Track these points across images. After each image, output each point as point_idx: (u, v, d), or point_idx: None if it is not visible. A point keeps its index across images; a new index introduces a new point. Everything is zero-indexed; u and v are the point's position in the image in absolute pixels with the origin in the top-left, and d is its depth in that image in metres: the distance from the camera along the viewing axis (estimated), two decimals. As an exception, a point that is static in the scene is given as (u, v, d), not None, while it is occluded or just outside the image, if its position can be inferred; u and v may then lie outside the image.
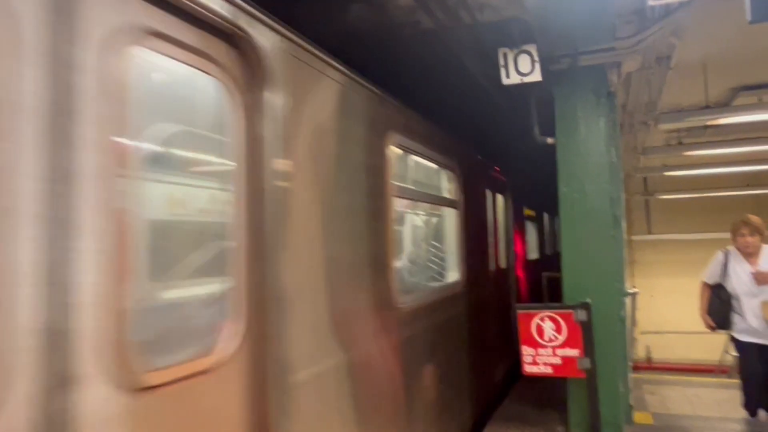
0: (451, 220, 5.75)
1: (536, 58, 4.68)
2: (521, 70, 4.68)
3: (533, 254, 10.69)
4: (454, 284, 5.59)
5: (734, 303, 5.44)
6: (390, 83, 4.04)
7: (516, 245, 8.57)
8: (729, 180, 12.83)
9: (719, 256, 5.63)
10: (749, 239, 5.39)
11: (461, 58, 5.02)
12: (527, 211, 9.89)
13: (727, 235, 5.65)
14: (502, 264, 7.64)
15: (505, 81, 4.78)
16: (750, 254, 5.42)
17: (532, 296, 9.46)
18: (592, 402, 4.96)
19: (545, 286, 9.71)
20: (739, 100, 7.83)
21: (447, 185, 5.65)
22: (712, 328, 5.65)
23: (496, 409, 6.31)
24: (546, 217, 12.31)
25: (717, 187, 13.20)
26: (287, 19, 2.77)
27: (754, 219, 5.47)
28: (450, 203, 5.63)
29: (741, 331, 5.45)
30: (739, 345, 5.57)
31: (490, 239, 6.96)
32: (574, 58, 5.09)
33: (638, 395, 6.44)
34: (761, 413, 5.51)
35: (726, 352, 9.20)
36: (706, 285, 5.73)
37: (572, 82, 5.28)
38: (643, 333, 13.96)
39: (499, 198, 7.79)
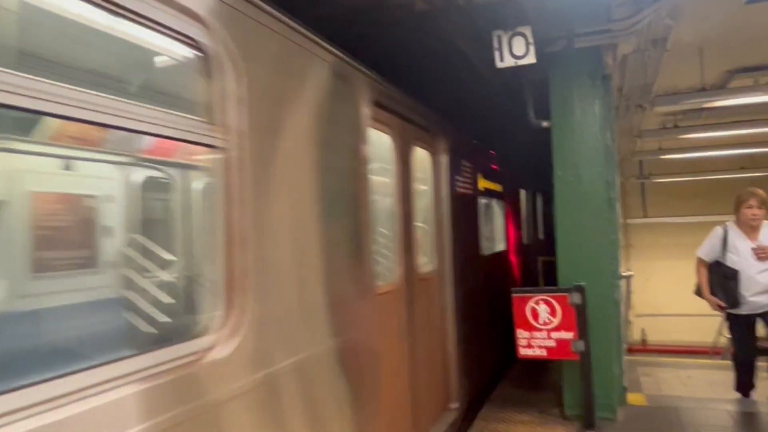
0: (214, 188, 2.33)
1: (531, 40, 4.63)
2: (515, 52, 4.63)
3: (500, 245, 7.93)
4: (189, 352, 2.11)
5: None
6: (384, 64, 4.01)
7: (465, 233, 5.95)
8: (724, 163, 12.84)
9: (718, 230, 5.55)
10: (757, 211, 5.35)
11: (453, 36, 4.94)
12: (488, 183, 7.12)
13: (722, 218, 5.64)
14: (426, 267, 4.91)
15: (499, 64, 4.73)
16: (753, 228, 5.38)
17: (494, 309, 6.78)
18: (586, 384, 5.00)
19: (540, 271, 9.61)
20: (735, 83, 7.79)
21: (200, 100, 2.31)
22: (722, 308, 5.47)
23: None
24: (523, 194, 9.94)
25: (712, 170, 13.22)
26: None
27: (761, 192, 5.45)
28: (208, 144, 2.26)
29: (740, 307, 5.39)
30: (736, 320, 5.51)
31: (381, 225, 4.20)
32: (569, 40, 5.05)
33: (632, 377, 6.49)
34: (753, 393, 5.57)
35: (720, 334, 9.26)
36: (702, 262, 5.62)
37: (567, 65, 5.25)
38: (638, 316, 14.06)
39: (421, 155, 4.92)
